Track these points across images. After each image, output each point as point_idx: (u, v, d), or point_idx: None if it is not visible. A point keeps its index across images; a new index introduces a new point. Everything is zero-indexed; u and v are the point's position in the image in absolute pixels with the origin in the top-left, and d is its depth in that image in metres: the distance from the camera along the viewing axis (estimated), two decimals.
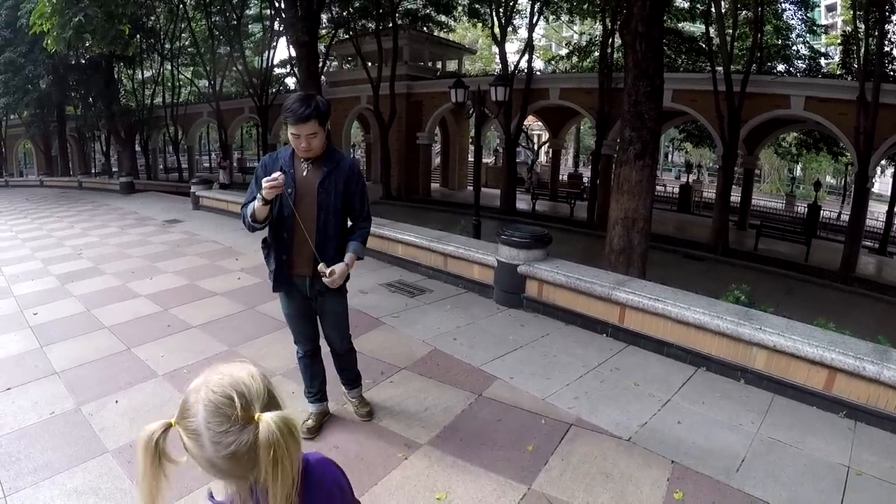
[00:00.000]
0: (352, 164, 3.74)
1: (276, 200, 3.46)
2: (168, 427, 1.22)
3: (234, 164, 40.21)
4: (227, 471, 1.22)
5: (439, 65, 35.65)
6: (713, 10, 20.41)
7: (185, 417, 1.22)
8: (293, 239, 3.58)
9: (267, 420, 1.18)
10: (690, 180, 34.53)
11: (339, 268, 3.56)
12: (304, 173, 3.57)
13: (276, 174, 3.21)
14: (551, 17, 29.91)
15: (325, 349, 4.07)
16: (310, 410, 4.09)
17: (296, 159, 3.59)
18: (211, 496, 1.33)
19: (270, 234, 3.67)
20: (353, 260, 3.72)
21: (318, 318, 3.97)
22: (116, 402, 4.47)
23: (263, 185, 3.22)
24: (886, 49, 17.10)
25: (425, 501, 3.33)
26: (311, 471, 1.41)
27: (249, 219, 3.47)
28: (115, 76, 34.47)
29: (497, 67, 35.14)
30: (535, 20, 26.46)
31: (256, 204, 3.35)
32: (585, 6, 26.10)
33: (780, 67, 25.21)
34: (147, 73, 37.68)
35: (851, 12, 20.98)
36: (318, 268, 3.46)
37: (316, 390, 4.07)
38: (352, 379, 4.28)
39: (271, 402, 1.25)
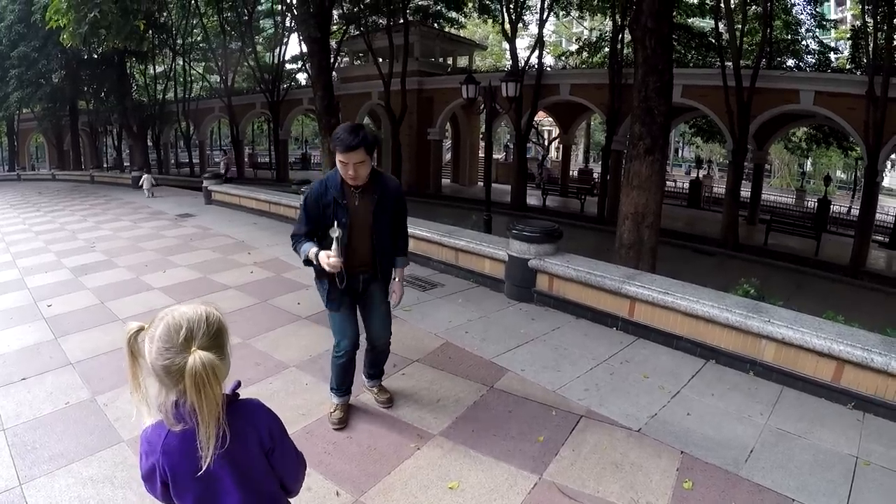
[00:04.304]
0: (397, 187, 3.97)
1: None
2: (142, 329, 1.63)
3: (246, 160, 40.44)
4: (160, 378, 1.58)
5: (450, 61, 35.65)
6: (722, 5, 20.36)
7: (150, 325, 1.61)
8: (346, 262, 3.70)
9: (196, 355, 1.52)
10: (700, 175, 34.38)
11: (397, 289, 4.13)
12: (356, 202, 3.72)
13: (335, 261, 3.50)
14: (561, 13, 29.88)
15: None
16: (335, 402, 4.15)
17: (346, 187, 3.70)
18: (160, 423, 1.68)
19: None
20: (402, 275, 4.17)
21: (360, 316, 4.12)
22: (131, 392, 4.50)
23: (323, 263, 3.52)
24: (895, 43, 17.01)
25: (437, 491, 3.38)
26: (242, 402, 1.77)
27: (301, 258, 3.74)
28: (128, 71, 34.67)
29: (507, 63, 35.08)
30: (545, 16, 26.36)
31: (311, 256, 3.63)
32: (595, 2, 26.09)
33: (790, 62, 25.11)
34: (159, 69, 37.90)
35: (860, 7, 20.90)
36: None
37: (346, 387, 4.16)
38: (377, 374, 4.42)
39: (212, 345, 1.59)
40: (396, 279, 4.10)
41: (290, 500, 1.96)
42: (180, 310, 1.62)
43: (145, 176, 20.46)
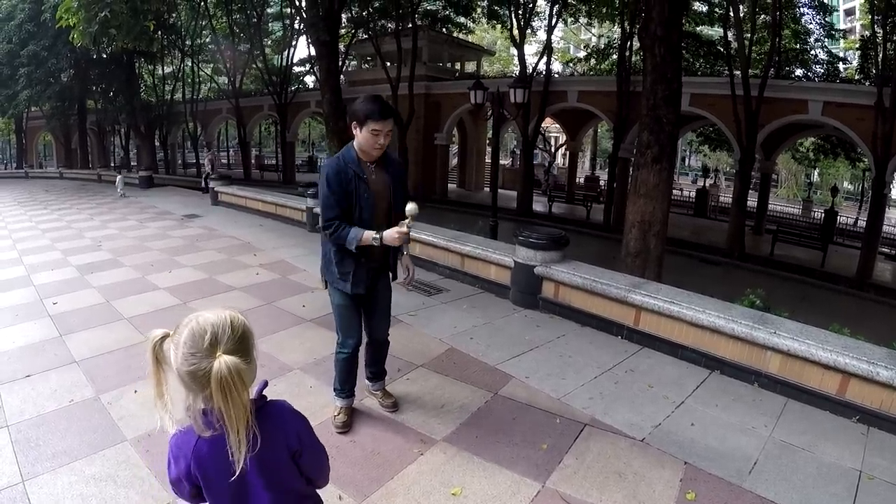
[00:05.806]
0: (400, 161, 4.06)
1: (354, 206, 3.66)
2: (167, 336, 1.63)
3: (253, 161, 40.57)
4: (187, 383, 1.58)
5: (458, 66, 35.71)
6: (732, 14, 20.38)
7: (175, 331, 1.61)
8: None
9: (221, 360, 1.52)
10: (707, 184, 34.36)
11: (410, 265, 4.02)
12: (373, 176, 3.73)
13: (404, 229, 3.54)
14: (570, 20, 29.86)
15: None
16: (339, 405, 4.14)
17: (363, 163, 3.70)
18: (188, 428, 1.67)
19: None
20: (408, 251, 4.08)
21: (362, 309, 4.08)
22: (135, 391, 4.52)
23: (392, 239, 3.56)
24: None
25: (440, 496, 3.38)
26: (270, 404, 1.81)
27: (349, 245, 3.62)
28: (136, 71, 34.80)
29: (515, 69, 35.15)
30: (553, 22, 26.43)
31: (368, 240, 3.59)
32: (604, 9, 26.11)
33: (798, 72, 25.10)
34: (167, 69, 38.03)
35: (870, 17, 20.90)
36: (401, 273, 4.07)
37: (350, 387, 4.15)
38: (378, 373, 4.39)
39: (238, 349, 1.59)
40: (406, 253, 3.99)
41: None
42: (204, 315, 1.62)
43: (119, 176, 20.54)
